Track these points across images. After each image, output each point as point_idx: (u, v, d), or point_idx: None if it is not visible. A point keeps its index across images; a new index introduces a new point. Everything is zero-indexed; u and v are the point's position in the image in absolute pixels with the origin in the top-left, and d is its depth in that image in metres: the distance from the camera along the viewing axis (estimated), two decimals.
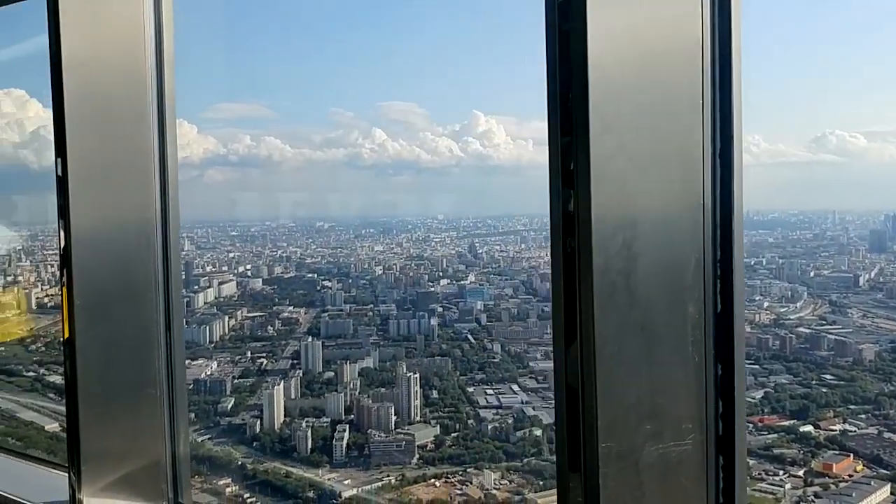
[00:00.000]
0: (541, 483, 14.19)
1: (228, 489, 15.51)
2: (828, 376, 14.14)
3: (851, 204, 14.09)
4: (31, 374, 11.18)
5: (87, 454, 2.07)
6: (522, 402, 16.33)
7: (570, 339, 1.56)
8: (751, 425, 14.66)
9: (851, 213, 14.55)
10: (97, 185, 1.85)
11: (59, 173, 1.83)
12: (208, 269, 21.03)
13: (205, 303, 18.79)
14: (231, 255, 21.76)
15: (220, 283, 19.99)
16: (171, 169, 1.97)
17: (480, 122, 19.58)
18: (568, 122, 1.54)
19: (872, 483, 11.83)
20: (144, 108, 1.87)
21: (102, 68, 1.82)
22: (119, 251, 1.98)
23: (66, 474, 2.25)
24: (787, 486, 13.65)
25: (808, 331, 15.36)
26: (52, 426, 10.08)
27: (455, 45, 15.26)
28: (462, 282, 19.16)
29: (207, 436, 15.68)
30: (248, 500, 16.15)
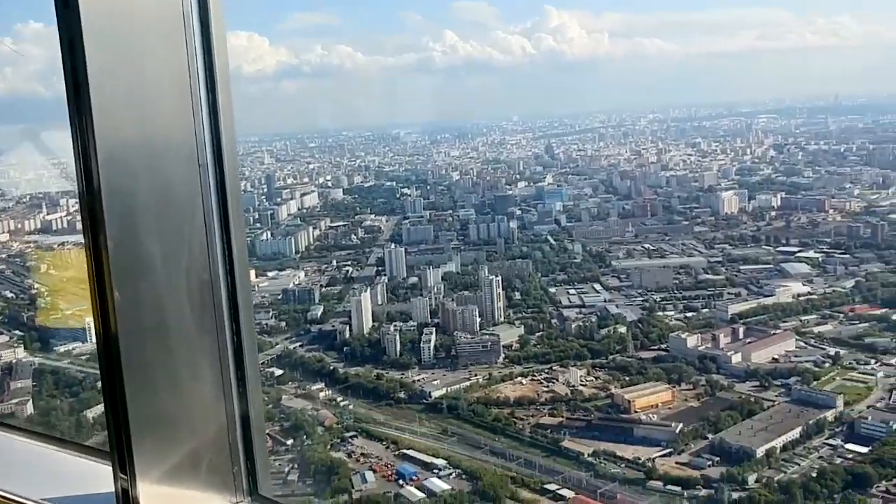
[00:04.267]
0: (627, 379, 14.40)
1: (322, 393, 16.20)
2: None
3: None
4: None
5: None
6: (605, 301, 16.36)
7: None
8: (841, 315, 14.45)
9: None
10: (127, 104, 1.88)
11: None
12: (289, 181, 21.33)
13: (288, 214, 19.29)
14: (311, 166, 22.24)
15: (302, 195, 20.30)
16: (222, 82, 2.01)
17: (552, 17, 18.92)
18: None
19: None
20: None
21: None
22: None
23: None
24: (880, 374, 13.46)
25: None
26: None
27: None
28: (540, 183, 19.04)
29: (298, 343, 16.28)
30: (342, 403, 16.86)
